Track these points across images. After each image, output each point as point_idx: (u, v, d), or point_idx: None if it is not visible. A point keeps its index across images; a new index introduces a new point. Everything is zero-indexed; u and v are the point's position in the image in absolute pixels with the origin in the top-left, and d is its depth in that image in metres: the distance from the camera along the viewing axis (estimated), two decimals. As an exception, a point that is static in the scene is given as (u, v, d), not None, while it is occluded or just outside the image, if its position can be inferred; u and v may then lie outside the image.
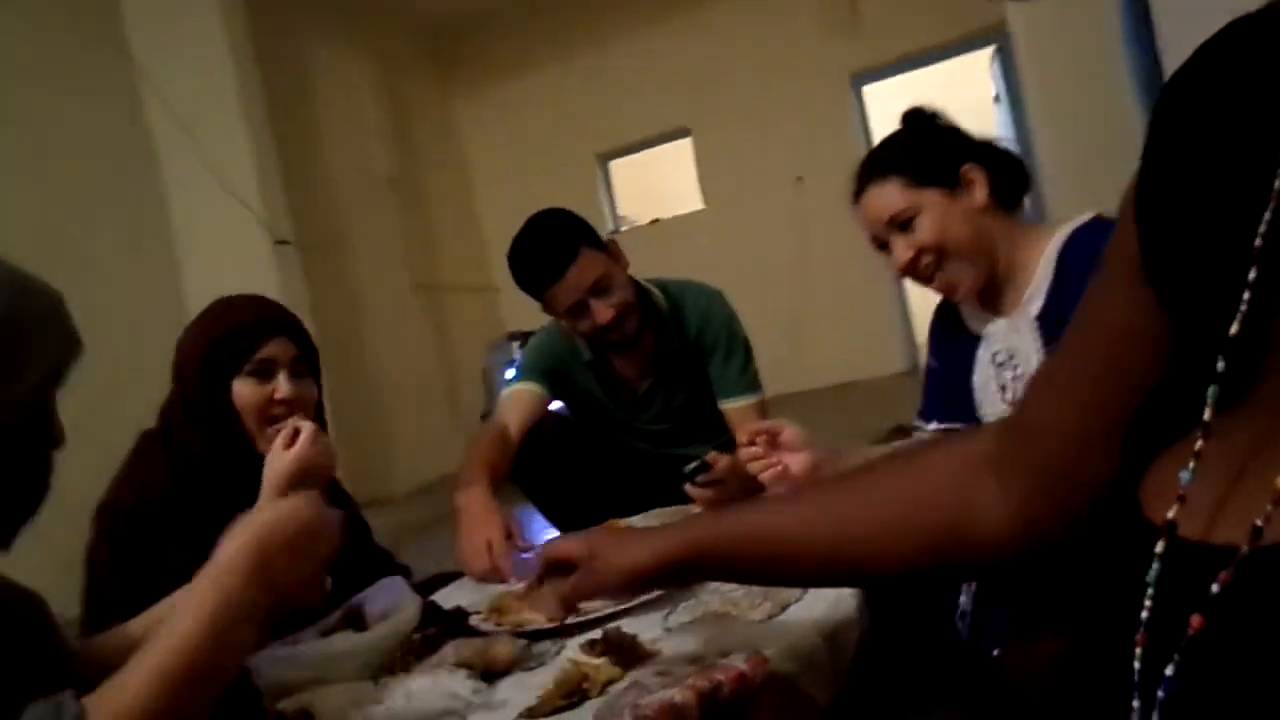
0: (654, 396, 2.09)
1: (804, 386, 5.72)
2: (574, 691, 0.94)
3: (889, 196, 1.39)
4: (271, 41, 4.86)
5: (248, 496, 1.35)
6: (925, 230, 1.37)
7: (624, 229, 7.04)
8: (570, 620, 1.14)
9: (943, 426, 1.53)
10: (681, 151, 6.76)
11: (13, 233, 3.66)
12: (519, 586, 1.37)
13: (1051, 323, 1.33)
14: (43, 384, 0.91)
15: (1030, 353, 1.36)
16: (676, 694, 0.88)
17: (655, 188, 7.22)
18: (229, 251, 4.45)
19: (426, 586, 1.68)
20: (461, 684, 0.97)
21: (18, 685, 0.80)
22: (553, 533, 2.05)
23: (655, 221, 6.92)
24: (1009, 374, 1.40)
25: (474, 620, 1.22)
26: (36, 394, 0.90)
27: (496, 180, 6.87)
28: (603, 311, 1.90)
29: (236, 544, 0.88)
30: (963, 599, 1.30)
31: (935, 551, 0.68)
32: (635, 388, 2.09)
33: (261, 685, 1.05)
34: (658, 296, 2.06)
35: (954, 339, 1.50)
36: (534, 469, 2.00)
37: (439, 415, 5.86)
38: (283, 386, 1.42)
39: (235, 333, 1.42)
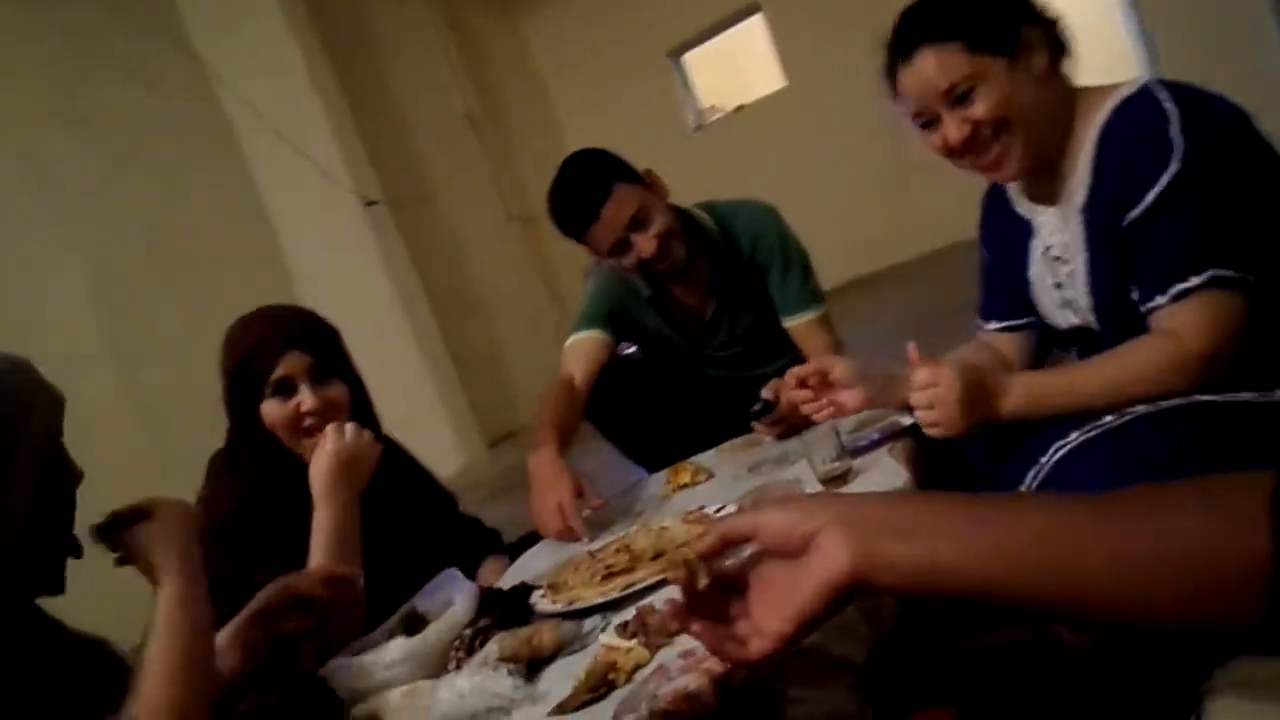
0: (720, 321, 2.07)
1: (905, 257, 5.52)
2: (601, 683, 0.96)
3: (946, 65, 1.20)
4: (327, 4, 4.88)
5: (307, 507, 1.43)
6: (986, 102, 1.20)
7: (710, 121, 6.86)
8: (617, 595, 1.17)
9: (1004, 326, 1.45)
10: (755, 31, 6.48)
11: (123, 240, 3.90)
12: (591, 546, 1.43)
13: (1094, 217, 1.23)
14: (48, 441, 1.00)
15: (1078, 251, 1.26)
16: (691, 681, 0.90)
17: (735, 74, 6.97)
18: (322, 222, 4.60)
19: (520, 546, 1.75)
20: (503, 682, 1.02)
21: None
22: (637, 472, 2.08)
23: (740, 108, 6.71)
24: (1063, 270, 1.30)
25: (534, 598, 1.26)
26: (43, 454, 0.99)
27: (574, 97, 6.78)
28: (645, 244, 1.89)
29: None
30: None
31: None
32: (700, 314, 2.07)
33: (341, 694, 1.14)
34: (705, 220, 2.03)
35: (1005, 228, 1.40)
36: (608, 411, 2.03)
37: (551, 345, 5.97)
38: (306, 399, 1.48)
39: (249, 357, 1.48)
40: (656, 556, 1.24)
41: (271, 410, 1.48)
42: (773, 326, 2.02)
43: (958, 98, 1.22)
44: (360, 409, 1.60)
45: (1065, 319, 1.33)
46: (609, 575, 1.24)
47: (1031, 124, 1.22)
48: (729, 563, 0.72)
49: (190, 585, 1.02)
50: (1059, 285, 1.32)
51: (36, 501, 0.99)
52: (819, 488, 1.30)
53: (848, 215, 5.55)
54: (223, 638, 1.16)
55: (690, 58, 6.90)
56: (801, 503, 0.68)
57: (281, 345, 1.48)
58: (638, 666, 0.98)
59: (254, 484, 1.50)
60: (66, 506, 1.06)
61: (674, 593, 1.10)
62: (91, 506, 1.08)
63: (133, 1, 4.17)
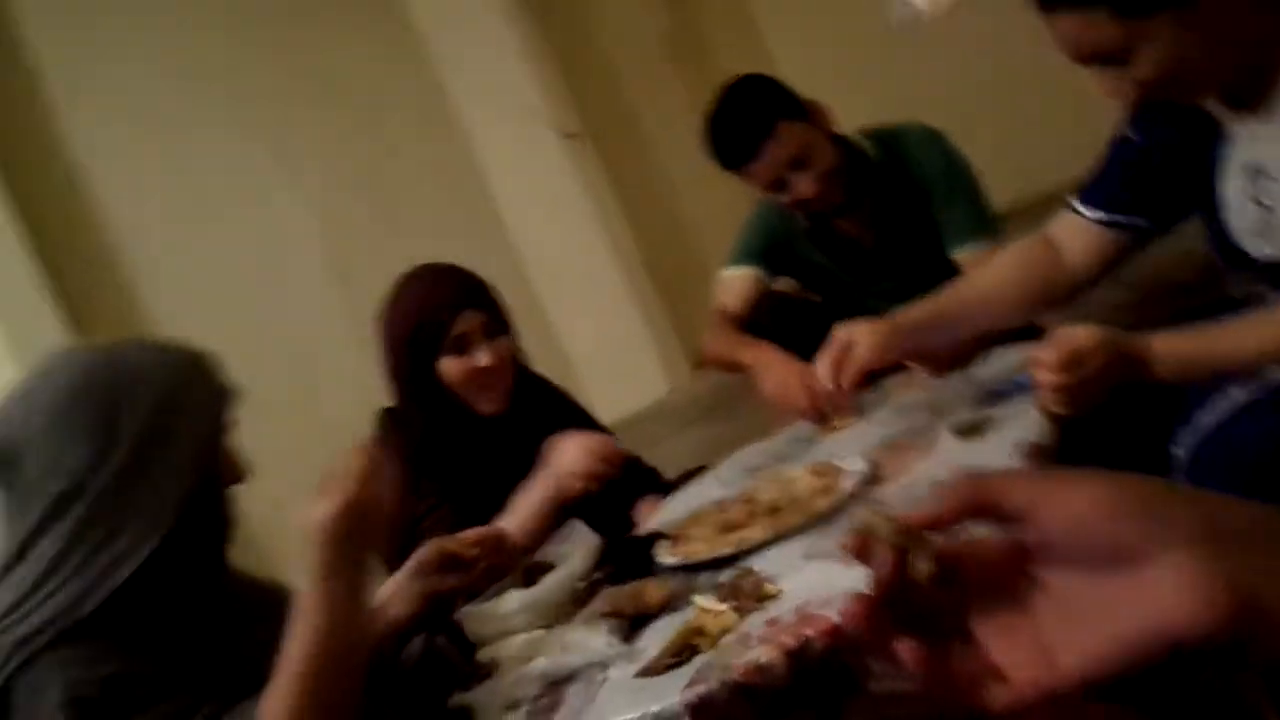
0: (883, 253, 1.97)
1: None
2: (684, 648, 0.97)
3: (1090, 32, 1.03)
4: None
5: (484, 457, 1.52)
6: (1147, 65, 1.03)
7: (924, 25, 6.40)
8: (735, 551, 1.17)
9: (1107, 219, 1.25)
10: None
11: (348, 201, 4.22)
12: (721, 494, 1.42)
13: None
14: (205, 441, 1.07)
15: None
16: (764, 654, 0.88)
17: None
18: (525, 159, 4.75)
19: (677, 483, 1.78)
20: (602, 638, 1.05)
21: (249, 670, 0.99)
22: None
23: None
24: (1274, 189, 1.12)
25: (657, 548, 1.28)
26: (199, 452, 1.07)
27: (784, 13, 6.52)
28: (804, 185, 1.82)
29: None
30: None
31: None
32: (863, 245, 1.98)
33: (470, 639, 1.21)
34: (868, 148, 1.93)
35: (1181, 120, 1.19)
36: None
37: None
38: (483, 356, 1.56)
39: (426, 315, 1.57)
40: (775, 511, 1.22)
41: (451, 366, 1.56)
42: (939, 257, 1.90)
43: (1112, 60, 1.04)
44: (520, 364, 1.68)
45: (1258, 248, 1.15)
46: (727, 529, 1.24)
47: (1219, 65, 1.04)
48: (970, 540, 0.45)
49: (316, 593, 0.97)
50: (1258, 202, 1.14)
51: (190, 502, 1.03)
52: (950, 438, 1.22)
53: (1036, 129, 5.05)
54: (386, 589, 1.23)
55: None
56: (1125, 491, 0.42)
57: (458, 304, 1.57)
58: (724, 631, 0.98)
59: (420, 438, 1.60)
60: (220, 506, 1.10)
61: (784, 553, 1.11)
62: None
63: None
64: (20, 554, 0.97)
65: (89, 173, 3.66)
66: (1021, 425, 1.18)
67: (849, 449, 1.34)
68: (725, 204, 5.99)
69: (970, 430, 1.21)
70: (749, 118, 1.82)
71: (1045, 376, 1.10)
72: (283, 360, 3.74)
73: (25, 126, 3.55)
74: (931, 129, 1.94)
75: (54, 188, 3.57)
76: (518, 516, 1.42)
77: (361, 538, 0.99)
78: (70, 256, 3.49)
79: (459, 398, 1.59)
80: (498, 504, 1.46)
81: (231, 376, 1.15)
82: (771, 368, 1.62)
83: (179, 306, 3.58)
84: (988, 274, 1.39)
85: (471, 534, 1.25)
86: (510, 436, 1.62)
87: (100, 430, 0.99)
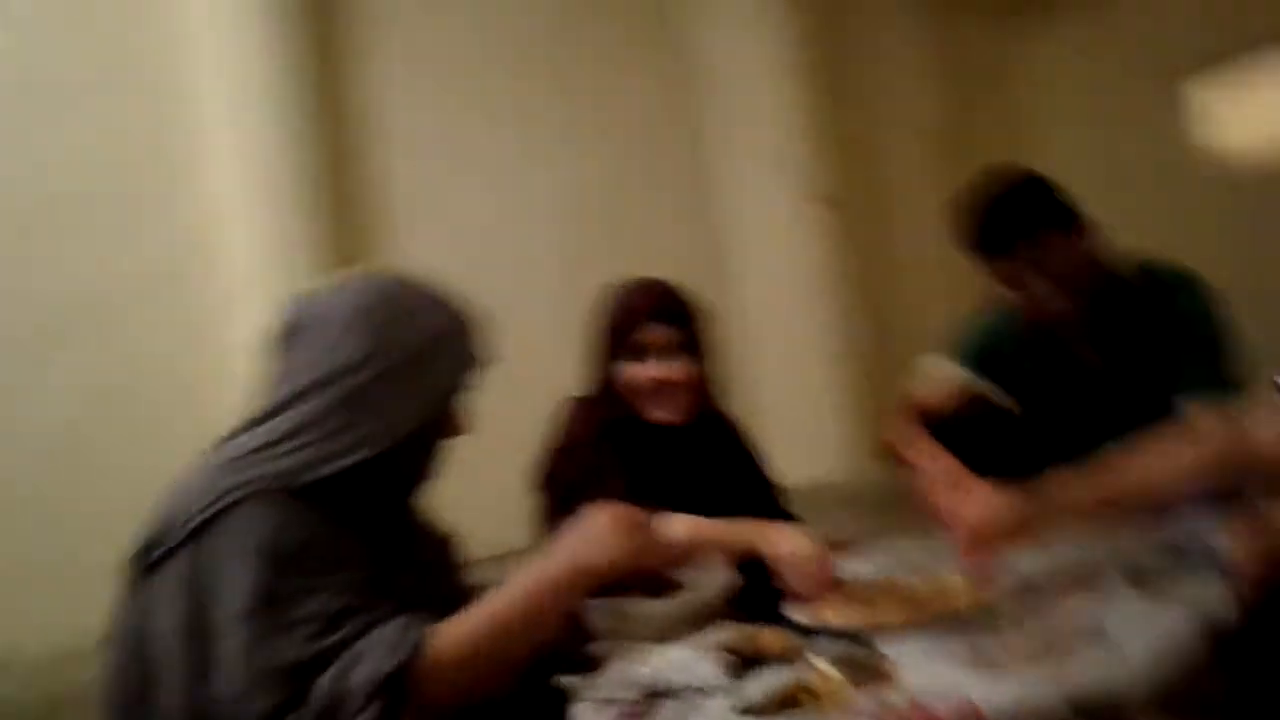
0: (1108, 382, 1.87)
1: None
2: (790, 699, 0.97)
3: None
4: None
5: (643, 461, 1.58)
6: None
7: (1225, 166, 6.01)
8: (857, 626, 1.15)
9: None
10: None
11: (581, 201, 4.42)
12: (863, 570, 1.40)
13: None
14: (449, 387, 1.17)
15: None
16: (865, 731, 0.87)
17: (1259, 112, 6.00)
18: (764, 208, 4.81)
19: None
20: (709, 668, 1.06)
21: (405, 599, 1.07)
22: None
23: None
24: None
25: (787, 606, 1.27)
26: (442, 394, 1.16)
27: (1058, 124, 6.32)
28: (1049, 298, 1.76)
29: (559, 543, 1.08)
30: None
31: None
32: (1088, 369, 1.89)
33: (588, 630, 1.26)
34: (1128, 273, 1.84)
35: None
36: (955, 449, 1.93)
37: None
38: (653, 369, 1.62)
39: (618, 319, 1.65)
40: (916, 602, 1.19)
41: (625, 370, 1.64)
42: (1163, 400, 1.78)
43: None
44: (708, 390, 1.71)
45: None
46: (863, 603, 1.22)
47: None
48: None
49: (553, 568, 1.05)
50: None
51: (418, 428, 1.13)
52: (1119, 581, 1.15)
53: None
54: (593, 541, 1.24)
55: (1206, 91, 6.08)
56: None
57: (647, 315, 1.64)
58: (832, 696, 0.97)
59: (598, 435, 1.66)
60: (433, 445, 1.19)
61: (911, 643, 1.08)
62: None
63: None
64: (275, 411, 1.09)
65: (377, 122, 4.00)
66: (1201, 594, 1.10)
67: (1021, 571, 1.29)
68: (950, 300, 5.84)
69: (1143, 580, 1.14)
70: (1017, 213, 1.76)
71: (1246, 563, 1.03)
72: (499, 335, 3.95)
73: (333, 73, 3.92)
74: (1203, 280, 1.83)
75: (345, 138, 3.93)
76: (701, 530, 1.43)
77: (621, 551, 1.06)
78: (344, 204, 3.82)
79: (628, 402, 1.65)
80: (655, 507, 1.49)
81: (492, 349, 1.24)
82: (939, 479, 1.56)
83: (420, 257, 3.83)
84: (1167, 466, 1.26)
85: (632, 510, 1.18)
86: (681, 451, 1.66)
87: (375, 338, 1.11)
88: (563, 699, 1.12)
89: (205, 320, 3.41)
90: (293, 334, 1.12)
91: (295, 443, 1.05)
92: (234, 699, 0.93)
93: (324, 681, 0.94)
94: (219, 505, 0.99)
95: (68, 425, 3.07)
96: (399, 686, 0.95)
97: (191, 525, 0.99)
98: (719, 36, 4.83)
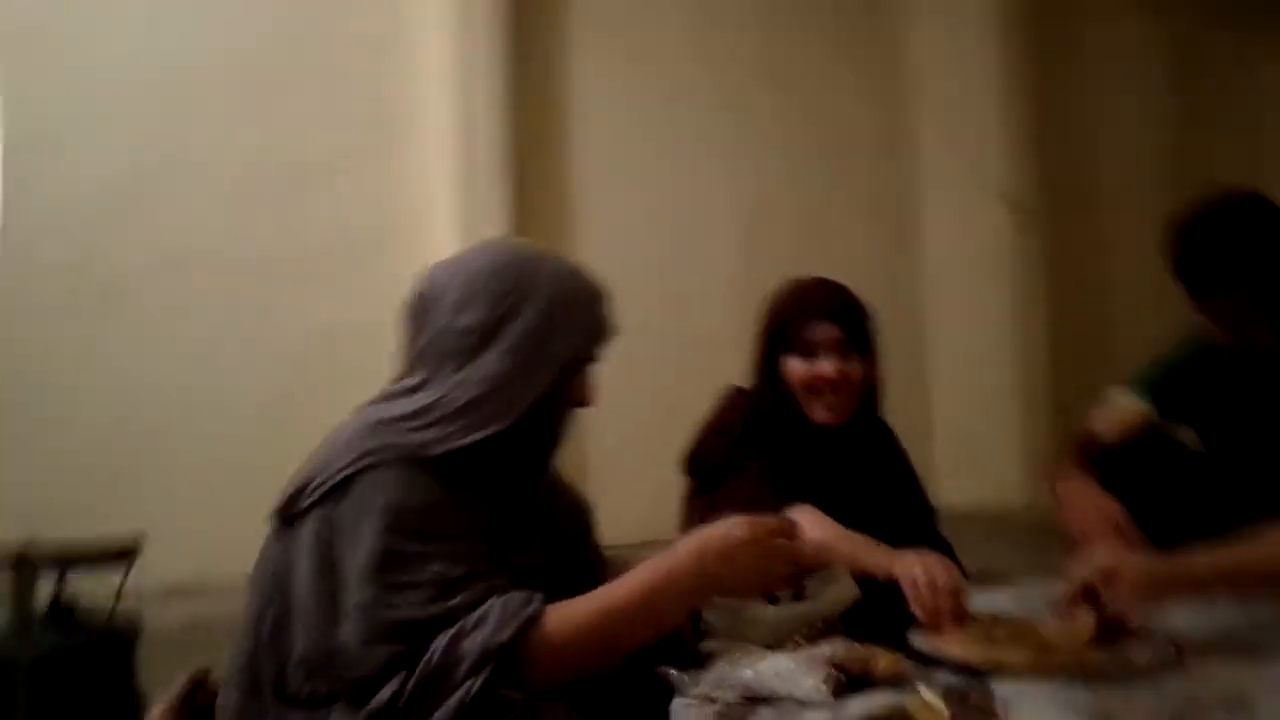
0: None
1: None
2: (882, 725, 0.94)
3: None
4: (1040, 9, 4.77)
5: (803, 458, 1.59)
6: None
7: None
8: (975, 662, 1.10)
9: None
10: None
11: (775, 194, 4.37)
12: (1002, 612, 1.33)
13: None
14: (575, 357, 1.20)
15: None
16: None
17: None
18: (963, 215, 4.61)
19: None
20: (812, 682, 1.04)
21: (523, 575, 1.12)
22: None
23: None
24: None
25: (914, 628, 1.23)
26: (568, 363, 1.20)
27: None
28: (1266, 335, 1.62)
29: (689, 544, 1.10)
30: None
31: None
32: None
33: (701, 624, 1.26)
34: None
35: None
36: (1123, 484, 1.80)
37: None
38: (825, 366, 1.61)
39: (788, 316, 1.66)
40: (1045, 649, 1.13)
41: (794, 367, 1.64)
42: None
43: None
44: (871, 395, 1.70)
45: None
46: (989, 641, 1.17)
47: None
48: None
49: (679, 575, 1.07)
50: None
51: (545, 398, 1.15)
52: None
53: None
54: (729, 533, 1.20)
55: None
56: None
57: (818, 312, 1.64)
58: (930, 729, 0.93)
59: (761, 417, 1.67)
60: (560, 416, 1.21)
61: (1032, 689, 1.02)
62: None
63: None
64: (420, 384, 1.14)
65: (575, 103, 4.10)
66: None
67: (1167, 624, 1.19)
68: (1155, 320, 5.41)
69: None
70: (1239, 250, 1.60)
71: None
72: (675, 323, 3.99)
73: (543, 54, 4.05)
74: None
75: (546, 101, 4.04)
76: (838, 541, 1.42)
77: (749, 568, 1.09)
78: (535, 158, 3.93)
79: (794, 399, 1.64)
80: (795, 501, 1.48)
81: (618, 322, 1.24)
82: (1078, 499, 1.53)
83: (604, 241, 3.92)
84: None
85: (773, 520, 1.17)
86: (836, 452, 1.65)
87: (501, 306, 1.14)
88: (667, 690, 1.13)
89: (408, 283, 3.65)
90: (424, 304, 1.17)
91: (429, 419, 1.10)
92: (355, 650, 1.00)
93: (439, 643, 0.99)
94: (357, 467, 1.05)
95: (279, 381, 3.37)
96: (509, 658, 0.99)
97: (331, 483, 1.05)
98: (929, 32, 4.65)
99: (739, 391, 1.73)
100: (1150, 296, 5.24)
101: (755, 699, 1.06)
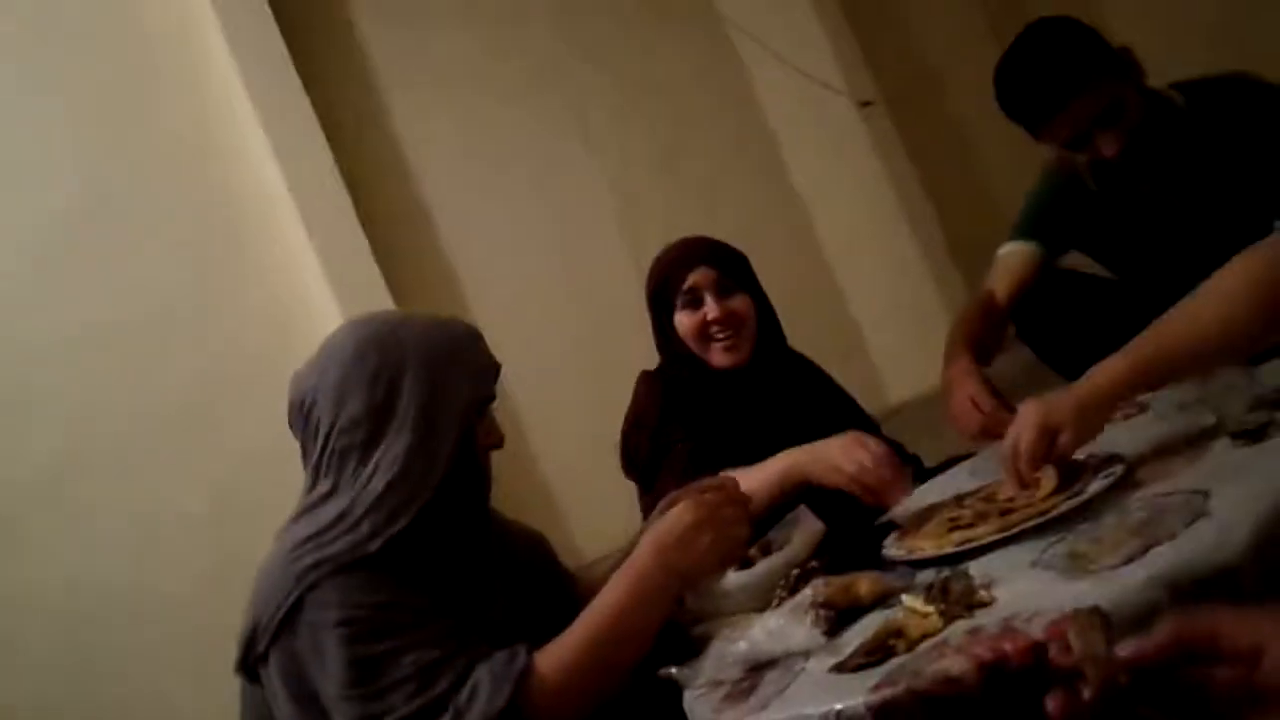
0: (1189, 220, 1.74)
1: None
2: (879, 647, 0.93)
3: None
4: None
5: (720, 410, 1.60)
6: None
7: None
8: (957, 549, 1.10)
9: None
10: None
11: (640, 165, 4.36)
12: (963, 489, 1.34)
13: None
14: (471, 405, 1.18)
15: None
16: (955, 664, 0.83)
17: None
18: (819, 131, 4.66)
19: (940, 469, 1.70)
20: (805, 629, 1.03)
21: (498, 631, 1.09)
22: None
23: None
24: None
25: (888, 541, 1.24)
26: (465, 414, 1.17)
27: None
28: (1108, 143, 1.65)
29: (644, 545, 1.10)
30: None
31: None
32: (1164, 212, 1.76)
33: (685, 615, 1.25)
34: (1175, 100, 1.71)
35: None
36: (1039, 328, 1.84)
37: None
38: (711, 308, 1.62)
39: (665, 275, 1.67)
40: (1008, 512, 1.13)
41: (682, 320, 1.66)
42: (1259, 225, 1.64)
43: None
44: (765, 324, 1.71)
45: None
46: (955, 527, 1.17)
47: None
48: None
49: (652, 570, 1.08)
50: None
51: (456, 455, 1.14)
52: (1226, 445, 1.06)
53: None
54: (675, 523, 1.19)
55: None
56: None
57: (691, 261, 1.66)
58: (925, 636, 0.93)
59: (670, 386, 1.67)
60: (478, 465, 1.20)
61: (1010, 557, 1.03)
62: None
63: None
64: (331, 491, 1.11)
65: (409, 141, 4.00)
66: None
67: (1110, 447, 1.21)
68: (1031, 174, 5.55)
69: (1249, 436, 1.05)
70: (1059, 69, 1.65)
71: None
72: (576, 328, 3.97)
73: (353, 96, 3.92)
74: (1256, 78, 1.68)
75: (375, 154, 3.94)
76: (753, 479, 1.39)
77: (708, 548, 1.08)
78: (390, 221, 3.84)
79: (693, 352, 1.65)
80: (734, 458, 1.47)
81: (493, 355, 1.23)
82: (950, 387, 1.59)
83: (484, 270, 3.87)
84: (1215, 299, 1.17)
85: (708, 481, 1.19)
86: (749, 393, 1.65)
87: (379, 388, 1.11)
88: (675, 690, 1.11)
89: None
90: (303, 413, 1.14)
91: (352, 519, 1.08)
92: None
93: None
94: (297, 593, 1.03)
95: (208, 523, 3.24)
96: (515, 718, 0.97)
97: (279, 618, 1.03)
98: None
99: (645, 376, 1.73)
100: (1017, 158, 5.41)
101: (758, 666, 1.04)
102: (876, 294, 4.54)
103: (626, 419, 1.69)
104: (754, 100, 4.79)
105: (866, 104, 4.65)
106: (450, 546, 1.15)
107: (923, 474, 1.73)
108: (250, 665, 1.08)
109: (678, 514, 1.10)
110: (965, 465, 1.56)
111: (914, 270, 4.57)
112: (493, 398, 1.22)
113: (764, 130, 4.79)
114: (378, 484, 1.08)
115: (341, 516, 1.08)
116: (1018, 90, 1.70)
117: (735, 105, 4.75)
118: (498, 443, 1.23)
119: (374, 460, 1.10)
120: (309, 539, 1.08)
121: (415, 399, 1.12)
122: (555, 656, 1.04)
